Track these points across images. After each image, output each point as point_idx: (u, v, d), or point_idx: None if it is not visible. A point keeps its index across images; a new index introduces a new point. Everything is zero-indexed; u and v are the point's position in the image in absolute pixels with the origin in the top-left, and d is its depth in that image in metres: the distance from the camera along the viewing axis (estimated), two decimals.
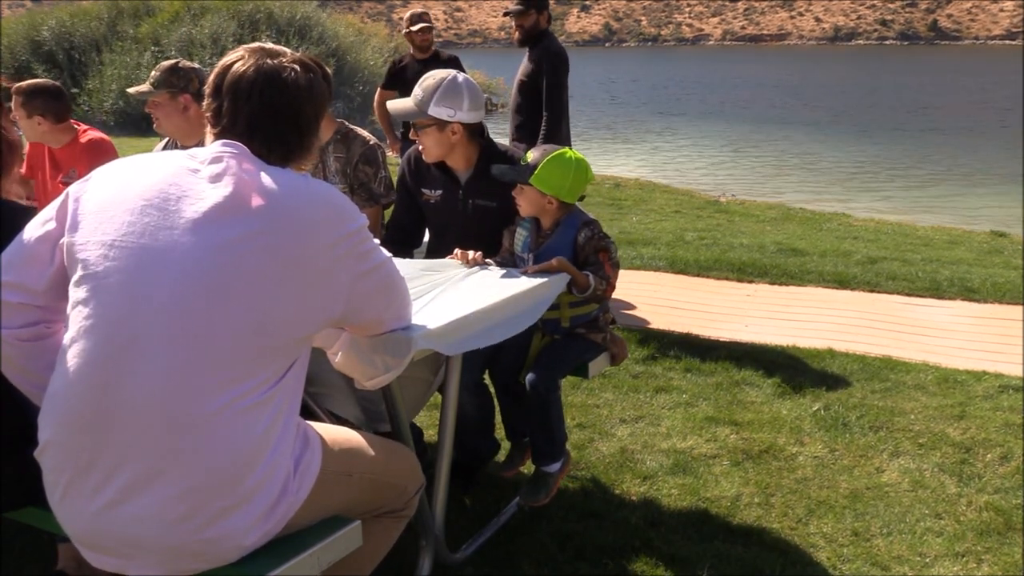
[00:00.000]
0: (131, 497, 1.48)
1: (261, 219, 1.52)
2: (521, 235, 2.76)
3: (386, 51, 19.68)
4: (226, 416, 1.49)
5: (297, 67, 1.68)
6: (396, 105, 2.88)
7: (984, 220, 10.45)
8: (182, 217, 1.52)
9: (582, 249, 2.64)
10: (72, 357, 1.51)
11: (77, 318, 1.52)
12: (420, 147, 2.91)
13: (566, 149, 2.71)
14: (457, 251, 2.70)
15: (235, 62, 1.67)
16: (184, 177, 1.56)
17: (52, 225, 1.61)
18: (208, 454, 1.49)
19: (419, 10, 6.18)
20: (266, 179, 1.57)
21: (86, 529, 1.53)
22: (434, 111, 2.79)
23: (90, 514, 1.51)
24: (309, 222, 1.56)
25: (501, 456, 3.11)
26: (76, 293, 1.54)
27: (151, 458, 1.48)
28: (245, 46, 1.71)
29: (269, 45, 1.72)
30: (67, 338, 1.53)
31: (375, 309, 1.76)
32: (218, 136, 1.65)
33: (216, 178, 1.55)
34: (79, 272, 1.54)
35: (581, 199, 2.73)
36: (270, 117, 1.65)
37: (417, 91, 2.82)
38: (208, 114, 1.68)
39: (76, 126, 3.94)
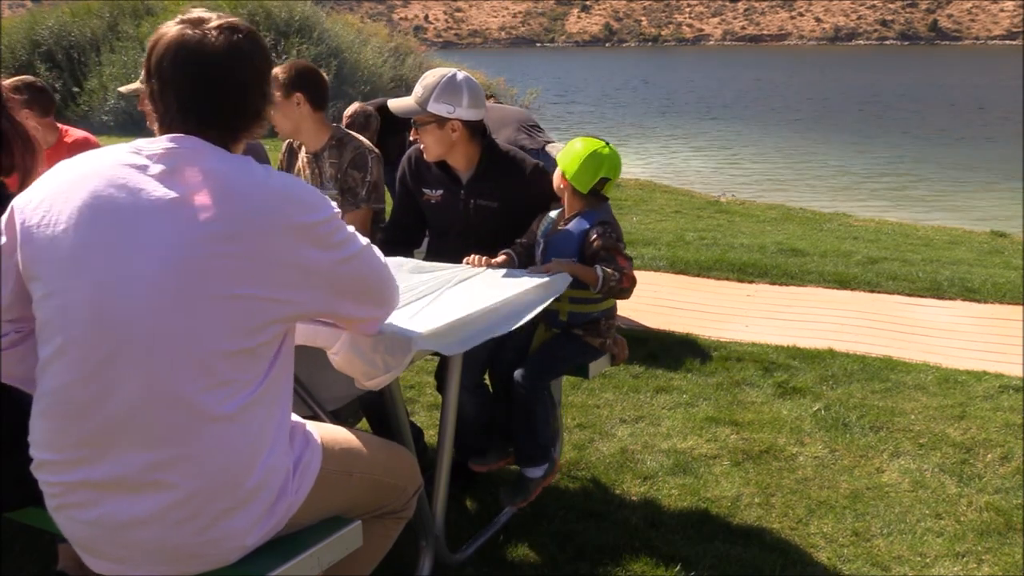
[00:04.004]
0: (129, 506, 1.48)
1: (221, 220, 1.46)
2: (548, 219, 2.76)
3: (386, 51, 19.66)
4: (215, 421, 1.48)
5: (216, 32, 1.56)
6: (398, 104, 2.87)
7: (984, 220, 10.46)
8: (138, 225, 1.46)
9: (589, 244, 2.61)
10: (50, 378, 1.49)
11: (48, 336, 1.49)
12: (421, 146, 2.91)
13: (598, 141, 2.67)
14: (474, 257, 2.70)
15: (158, 40, 1.57)
16: (131, 176, 1.49)
17: (3, 240, 1.56)
18: (202, 460, 1.47)
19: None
20: (221, 175, 1.50)
21: (84, 535, 1.53)
22: (433, 108, 2.78)
23: (88, 523, 1.51)
24: (269, 216, 1.50)
25: None
26: (41, 311, 1.50)
27: (145, 469, 1.47)
28: (176, 19, 1.60)
29: (196, 13, 1.60)
30: (42, 358, 1.51)
31: (353, 299, 1.69)
32: (160, 121, 1.58)
33: (166, 177, 1.48)
34: (39, 290, 1.50)
35: (604, 199, 2.70)
36: (201, 93, 1.55)
37: (417, 89, 2.82)
38: (147, 99, 1.60)
39: (58, 125, 3.94)
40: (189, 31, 1.55)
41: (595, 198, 2.67)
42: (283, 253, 1.51)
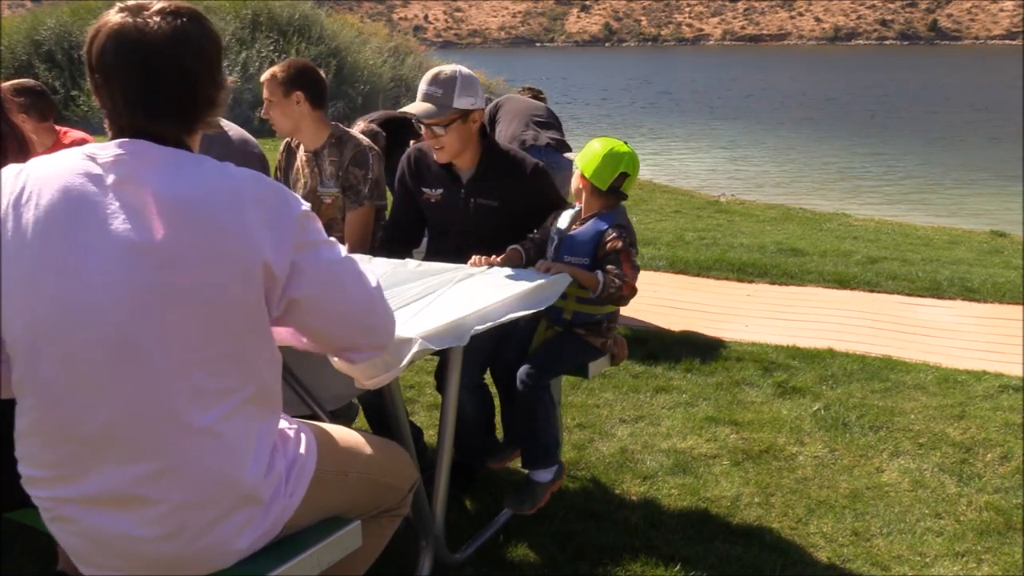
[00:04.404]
0: (117, 521, 1.46)
1: (174, 230, 1.40)
2: (564, 218, 2.76)
3: (386, 51, 19.65)
4: (197, 433, 1.44)
5: (158, 17, 1.46)
6: (417, 108, 2.77)
7: (984, 220, 10.46)
8: (95, 241, 1.40)
9: (602, 246, 2.62)
10: (27, 396, 1.46)
11: (18, 356, 1.45)
12: (437, 148, 2.84)
13: (615, 139, 2.69)
14: (477, 258, 2.69)
15: (98, 30, 1.47)
16: (85, 189, 1.42)
17: None
18: (185, 473, 1.45)
19: None
20: (168, 183, 1.42)
21: (78, 546, 1.53)
22: (459, 103, 2.76)
23: (79, 535, 1.51)
24: (224, 219, 1.42)
25: None
26: (8, 329, 1.46)
27: (128, 485, 1.45)
28: (114, 8, 1.49)
29: (135, 0, 1.49)
30: (15, 376, 1.47)
31: (324, 311, 1.57)
32: (108, 117, 1.50)
33: (118, 188, 1.42)
34: (5, 309, 1.45)
35: (623, 197, 2.70)
36: (146, 84, 1.46)
37: (433, 90, 2.76)
38: (93, 93, 1.51)
39: (56, 128, 3.94)
40: (129, 19, 1.45)
41: (614, 197, 2.68)
42: (242, 256, 1.43)
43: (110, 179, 1.43)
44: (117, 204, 1.41)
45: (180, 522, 1.47)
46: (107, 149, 1.46)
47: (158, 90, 1.47)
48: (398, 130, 4.52)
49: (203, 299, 1.42)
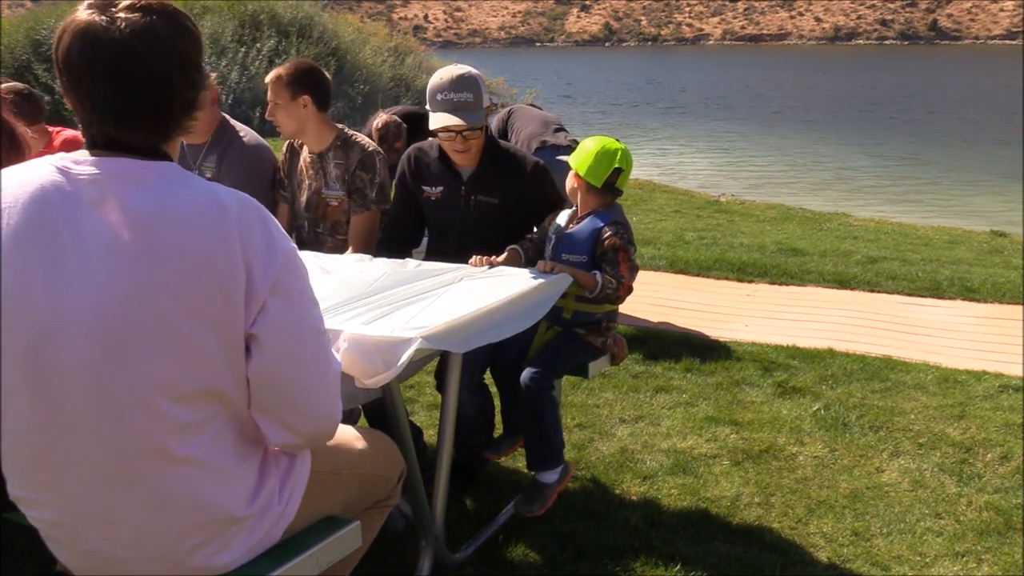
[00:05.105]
0: (105, 543, 1.46)
1: (148, 257, 1.34)
2: (561, 217, 2.76)
3: (385, 51, 19.65)
4: (177, 463, 1.42)
5: (126, 14, 1.36)
6: (463, 119, 2.73)
7: (984, 220, 10.46)
8: (68, 265, 1.34)
9: (600, 244, 2.62)
10: (6, 419, 1.42)
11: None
12: (464, 151, 2.84)
13: (611, 138, 2.70)
14: (477, 258, 2.68)
15: (65, 29, 1.37)
16: (58, 207, 1.36)
17: None
18: (168, 501, 1.43)
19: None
20: (154, 206, 1.36)
21: (73, 563, 1.53)
22: (486, 99, 2.78)
23: (73, 554, 1.50)
24: (212, 246, 1.36)
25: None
26: None
27: (110, 510, 1.43)
28: (83, 4, 1.39)
29: None
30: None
31: (267, 366, 1.45)
32: (80, 121, 1.42)
33: (94, 210, 1.35)
34: None
35: (619, 194, 2.71)
36: (116, 87, 1.36)
37: (465, 96, 2.74)
38: (64, 96, 1.42)
39: (48, 129, 3.94)
40: (96, 16, 1.35)
41: (610, 194, 2.68)
42: (225, 281, 1.37)
43: (87, 198, 1.36)
44: (95, 225, 1.35)
45: (167, 547, 1.46)
46: (82, 164, 1.39)
47: (128, 95, 1.38)
48: (418, 124, 4.53)
49: (180, 327, 1.36)
